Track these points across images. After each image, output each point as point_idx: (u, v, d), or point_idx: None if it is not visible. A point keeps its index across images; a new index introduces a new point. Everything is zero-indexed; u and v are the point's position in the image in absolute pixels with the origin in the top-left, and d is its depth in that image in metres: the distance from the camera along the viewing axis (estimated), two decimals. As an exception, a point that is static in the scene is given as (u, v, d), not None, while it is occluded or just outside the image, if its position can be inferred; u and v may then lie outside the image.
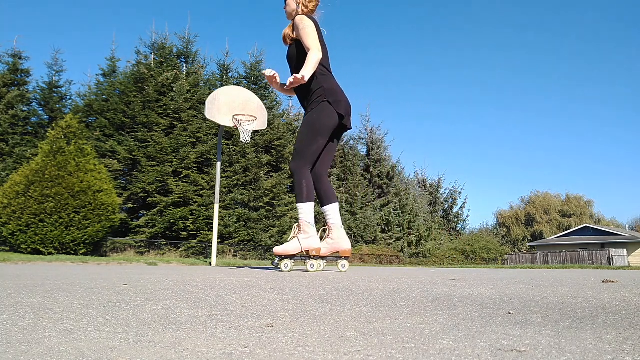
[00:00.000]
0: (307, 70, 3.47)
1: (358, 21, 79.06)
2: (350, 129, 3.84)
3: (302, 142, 3.60)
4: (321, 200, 3.77)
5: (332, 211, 3.72)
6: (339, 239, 3.69)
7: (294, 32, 3.71)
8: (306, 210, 3.58)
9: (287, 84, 3.54)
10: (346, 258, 3.79)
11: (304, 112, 3.89)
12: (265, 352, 0.69)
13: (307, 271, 3.55)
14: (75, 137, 9.84)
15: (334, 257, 3.80)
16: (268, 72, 3.79)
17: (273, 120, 17.75)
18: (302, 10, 3.77)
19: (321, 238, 3.77)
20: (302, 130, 3.66)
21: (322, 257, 3.73)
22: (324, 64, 3.69)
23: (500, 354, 0.68)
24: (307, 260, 3.62)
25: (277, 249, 3.67)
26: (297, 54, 3.72)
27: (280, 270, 3.66)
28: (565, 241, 37.76)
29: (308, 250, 3.60)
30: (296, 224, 3.67)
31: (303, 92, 3.76)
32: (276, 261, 3.75)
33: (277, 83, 3.90)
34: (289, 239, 3.67)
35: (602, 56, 78.50)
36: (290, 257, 3.65)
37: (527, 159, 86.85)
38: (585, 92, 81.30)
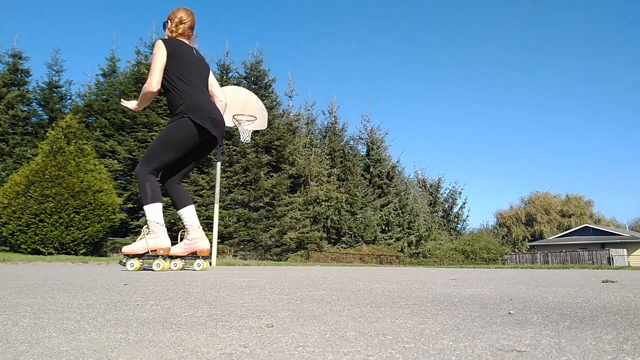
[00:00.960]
0: (138, 102, 3.86)
1: (357, 20, 79.12)
2: (220, 144, 4.01)
3: (153, 149, 3.70)
4: (175, 205, 3.90)
5: (187, 214, 3.87)
6: (196, 240, 3.85)
7: None
8: (153, 211, 3.72)
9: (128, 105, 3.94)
10: (204, 257, 3.95)
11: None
12: (265, 352, 0.69)
13: (153, 270, 3.66)
14: (75, 137, 9.84)
15: (192, 257, 3.97)
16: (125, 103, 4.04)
17: (273, 120, 17.76)
18: (169, 35, 3.86)
19: (181, 239, 3.95)
20: (156, 138, 3.75)
21: (181, 257, 3.90)
22: (186, 80, 3.72)
23: (500, 354, 0.68)
24: (155, 260, 3.74)
25: (125, 249, 3.80)
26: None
27: (126, 270, 3.76)
28: (565, 241, 37.77)
29: (155, 250, 3.72)
30: (145, 225, 3.80)
31: (169, 106, 3.90)
32: (123, 260, 3.86)
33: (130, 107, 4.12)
34: (137, 239, 3.80)
35: (602, 56, 78.55)
36: (139, 256, 3.77)
37: (527, 158, 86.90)
38: (586, 91, 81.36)
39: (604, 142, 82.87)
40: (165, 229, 3.78)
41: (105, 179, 9.91)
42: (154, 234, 3.73)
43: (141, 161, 3.71)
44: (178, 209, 3.90)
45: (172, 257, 3.89)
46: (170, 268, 3.85)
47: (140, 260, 3.80)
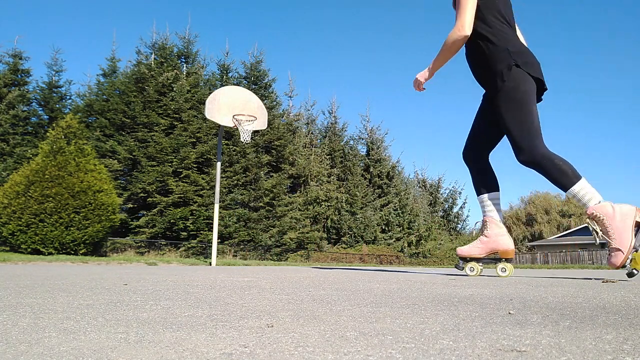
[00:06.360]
0: (436, 59, 3.03)
1: (357, 19, 79.12)
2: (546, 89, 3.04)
3: (521, 121, 2.82)
4: (479, 187, 3.24)
5: (491, 201, 3.15)
6: (498, 236, 3.13)
7: None
8: (585, 189, 2.74)
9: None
10: (508, 260, 3.16)
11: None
12: (265, 352, 0.69)
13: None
14: (75, 137, 9.84)
15: (493, 260, 3.28)
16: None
17: (273, 120, 17.76)
18: None
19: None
20: (506, 108, 2.87)
21: (477, 260, 3.23)
22: (503, 19, 2.99)
23: (500, 354, 0.67)
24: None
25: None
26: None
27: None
28: (565, 241, 37.76)
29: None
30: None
31: (478, 58, 3.04)
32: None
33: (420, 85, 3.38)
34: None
35: (602, 54, 78.54)
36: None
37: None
38: (586, 91, 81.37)
39: (604, 142, 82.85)
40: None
41: (105, 179, 9.91)
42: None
43: (527, 143, 2.76)
44: (478, 194, 3.20)
45: (465, 260, 3.22)
46: (466, 272, 3.23)
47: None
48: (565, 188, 2.73)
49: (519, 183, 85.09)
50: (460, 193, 33.43)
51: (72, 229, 8.95)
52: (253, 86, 18.78)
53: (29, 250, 8.65)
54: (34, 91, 16.30)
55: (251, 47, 36.46)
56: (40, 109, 16.38)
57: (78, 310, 1.15)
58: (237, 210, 15.91)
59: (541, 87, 2.96)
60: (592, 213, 2.69)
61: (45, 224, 8.75)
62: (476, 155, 3.26)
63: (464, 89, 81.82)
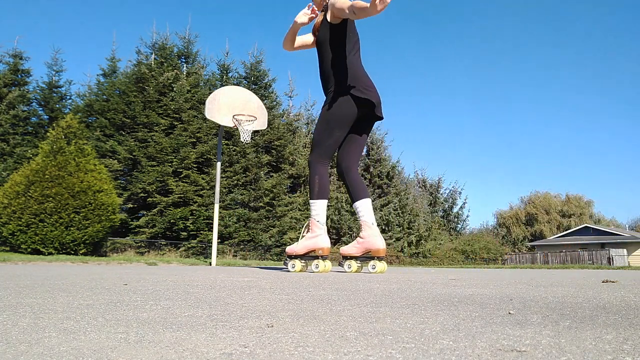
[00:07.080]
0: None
1: (358, 21, 78.93)
2: (382, 118, 3.62)
3: (319, 134, 3.52)
4: (350, 197, 3.63)
5: (362, 208, 3.53)
6: (370, 237, 3.50)
7: (328, 15, 3.48)
8: (317, 208, 3.52)
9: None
10: (379, 258, 3.55)
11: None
12: (265, 352, 0.69)
13: (313, 272, 3.49)
14: (76, 137, 9.84)
15: (367, 258, 3.58)
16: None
17: (273, 120, 17.76)
18: None
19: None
20: (318, 122, 3.56)
21: (355, 258, 3.58)
22: (351, 49, 3.50)
23: (500, 354, 0.67)
24: (314, 260, 3.54)
25: (287, 249, 3.66)
26: (330, 36, 3.51)
27: (288, 271, 3.61)
28: (565, 241, 37.76)
29: (314, 250, 3.52)
30: (307, 223, 3.63)
31: (324, 77, 3.59)
32: (286, 260, 3.70)
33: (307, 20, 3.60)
34: (300, 238, 3.64)
35: (603, 55, 78.53)
36: (300, 256, 3.59)
37: (527, 158, 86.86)
38: (586, 91, 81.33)
39: (604, 142, 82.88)
40: (325, 228, 3.56)
41: (105, 179, 9.91)
42: (312, 232, 3.53)
43: (312, 151, 3.54)
44: (353, 202, 3.60)
45: (345, 258, 3.63)
46: (356, 270, 3.56)
47: (303, 261, 3.61)
48: (309, 197, 3.56)
49: (519, 183, 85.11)
50: (460, 193, 33.45)
51: (72, 229, 8.95)
52: (253, 86, 18.78)
53: (29, 250, 8.65)
54: (34, 91, 16.30)
55: (251, 47, 36.46)
56: (40, 109, 16.38)
57: (78, 310, 1.15)
58: (237, 210, 15.90)
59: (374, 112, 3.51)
60: (311, 220, 3.58)
61: (45, 224, 8.75)
62: (347, 167, 3.68)
63: (464, 89, 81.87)
